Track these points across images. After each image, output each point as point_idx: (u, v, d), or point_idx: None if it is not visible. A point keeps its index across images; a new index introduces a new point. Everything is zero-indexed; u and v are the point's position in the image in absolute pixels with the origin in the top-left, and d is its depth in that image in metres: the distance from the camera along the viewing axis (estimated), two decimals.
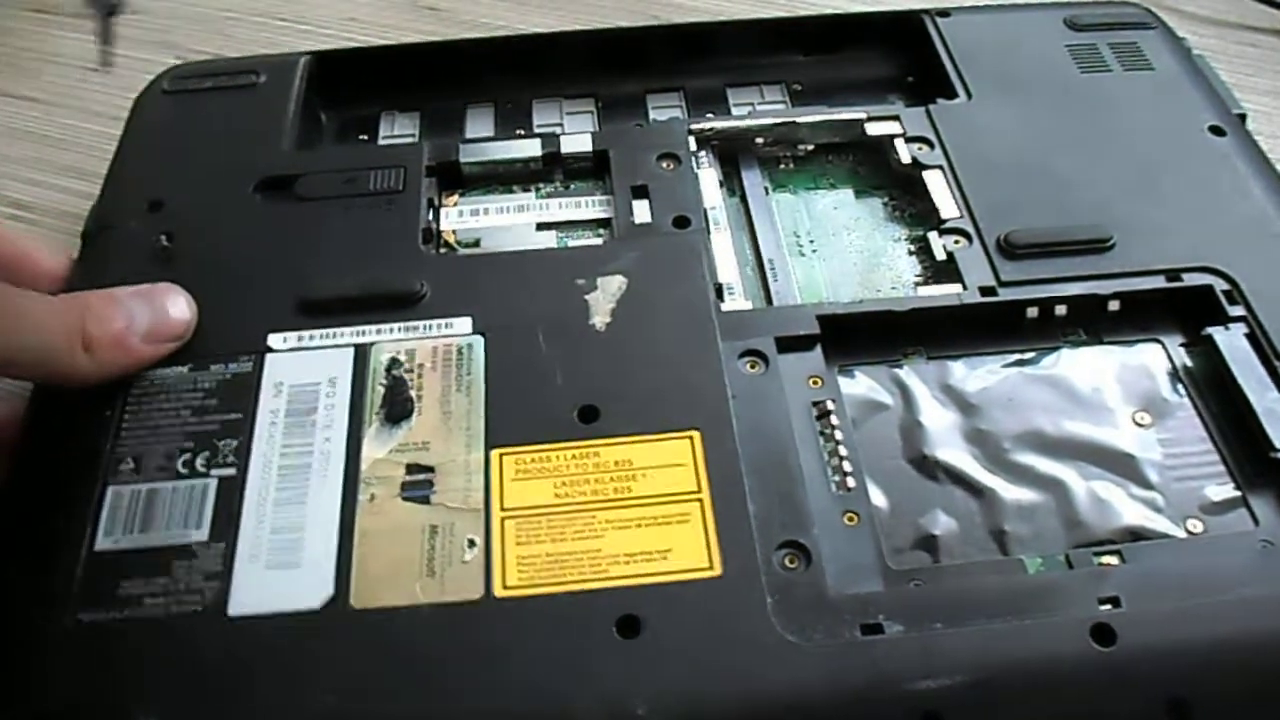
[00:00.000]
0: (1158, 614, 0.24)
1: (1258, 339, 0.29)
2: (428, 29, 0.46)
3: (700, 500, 0.26)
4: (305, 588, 0.24)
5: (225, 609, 0.24)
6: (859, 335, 0.30)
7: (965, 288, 0.30)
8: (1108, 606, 0.24)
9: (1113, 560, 0.26)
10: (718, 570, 0.24)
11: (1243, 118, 0.35)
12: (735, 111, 0.38)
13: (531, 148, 0.34)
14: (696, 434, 0.27)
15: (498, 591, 0.24)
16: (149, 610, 0.24)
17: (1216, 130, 0.34)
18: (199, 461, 0.26)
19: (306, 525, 0.25)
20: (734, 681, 0.23)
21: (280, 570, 0.25)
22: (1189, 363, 0.30)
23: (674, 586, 0.24)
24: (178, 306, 0.28)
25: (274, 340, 0.29)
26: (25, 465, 0.27)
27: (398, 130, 0.38)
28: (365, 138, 0.37)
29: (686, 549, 0.25)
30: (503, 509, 0.26)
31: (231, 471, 0.26)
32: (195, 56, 0.43)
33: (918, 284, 0.32)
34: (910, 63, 0.39)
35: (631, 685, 0.23)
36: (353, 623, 0.24)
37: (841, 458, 0.27)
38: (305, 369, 0.28)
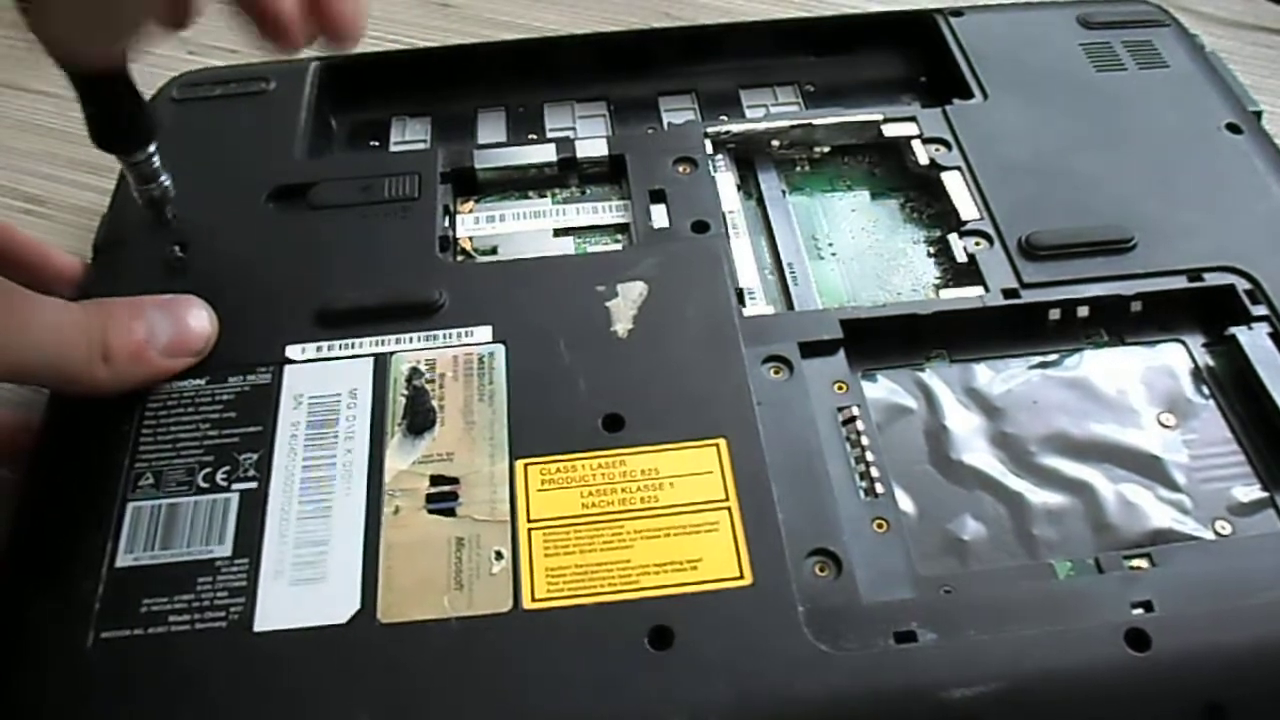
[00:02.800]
0: (1191, 618, 0.24)
1: None
2: (438, 25, 0.46)
3: (729, 509, 0.25)
4: (332, 602, 0.24)
5: (250, 625, 0.24)
6: (882, 339, 0.29)
7: (988, 290, 0.30)
8: (1140, 611, 0.24)
9: (1142, 563, 0.26)
10: (748, 579, 0.24)
11: (1258, 115, 0.35)
12: (749, 113, 0.38)
13: (546, 153, 0.34)
14: (723, 441, 0.26)
15: (527, 604, 0.24)
16: (172, 627, 0.24)
17: (1233, 128, 0.34)
18: (220, 475, 0.26)
19: (331, 539, 0.25)
20: (768, 692, 0.23)
21: (305, 585, 0.24)
22: (1212, 363, 0.30)
23: (705, 596, 0.24)
24: (199, 320, 0.28)
25: (292, 351, 0.28)
26: (42, 483, 0.27)
27: (409, 135, 0.37)
28: (376, 143, 0.37)
29: (716, 558, 0.25)
30: (529, 520, 0.25)
31: (253, 485, 0.26)
32: (209, 51, 0.43)
33: (937, 286, 0.32)
34: (923, 63, 0.39)
35: (665, 697, 0.23)
36: (381, 637, 0.23)
37: (869, 464, 0.27)
38: (325, 380, 0.28)
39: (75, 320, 0.26)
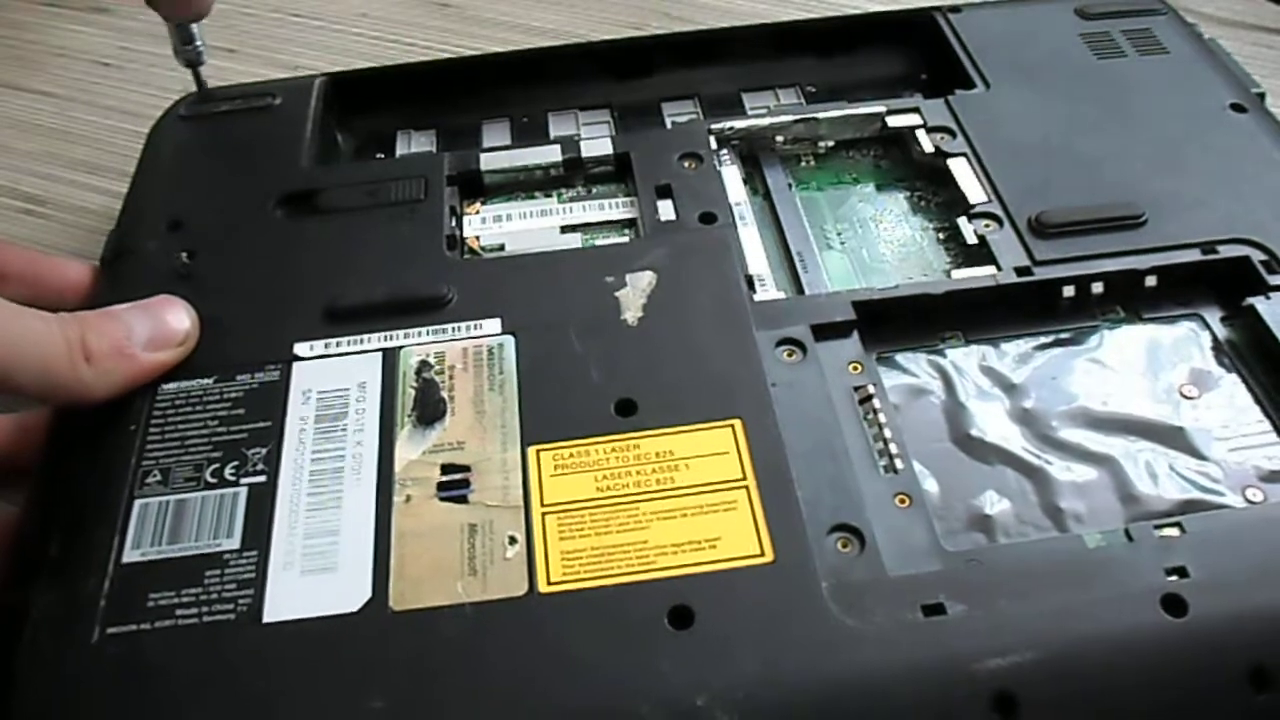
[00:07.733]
0: (1228, 582, 0.23)
1: None
2: (438, 24, 0.46)
3: (746, 487, 0.25)
4: (342, 591, 0.24)
5: (260, 616, 0.23)
6: (896, 320, 0.29)
7: (1000, 269, 0.30)
8: (1175, 577, 0.23)
9: (1174, 532, 0.25)
10: (769, 556, 0.24)
11: (1261, 96, 0.35)
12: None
13: (552, 154, 0.34)
14: (738, 422, 0.26)
15: (542, 588, 0.23)
16: (180, 620, 0.23)
17: (1238, 107, 0.34)
18: (228, 470, 0.26)
19: (341, 529, 0.25)
20: (794, 667, 0.22)
21: (316, 575, 0.24)
22: (1231, 335, 0.29)
23: (725, 575, 0.23)
24: (176, 316, 0.28)
25: (300, 349, 0.28)
26: (47, 485, 0.26)
27: (414, 149, 0.37)
28: (382, 156, 0.37)
29: (736, 536, 0.24)
30: (543, 505, 0.25)
31: (262, 479, 0.26)
32: (209, 49, 0.43)
33: (948, 272, 0.31)
34: (923, 61, 0.39)
35: (688, 676, 0.22)
36: (393, 624, 0.23)
37: (887, 440, 0.26)
38: (333, 375, 0.28)
39: (52, 328, 0.26)
